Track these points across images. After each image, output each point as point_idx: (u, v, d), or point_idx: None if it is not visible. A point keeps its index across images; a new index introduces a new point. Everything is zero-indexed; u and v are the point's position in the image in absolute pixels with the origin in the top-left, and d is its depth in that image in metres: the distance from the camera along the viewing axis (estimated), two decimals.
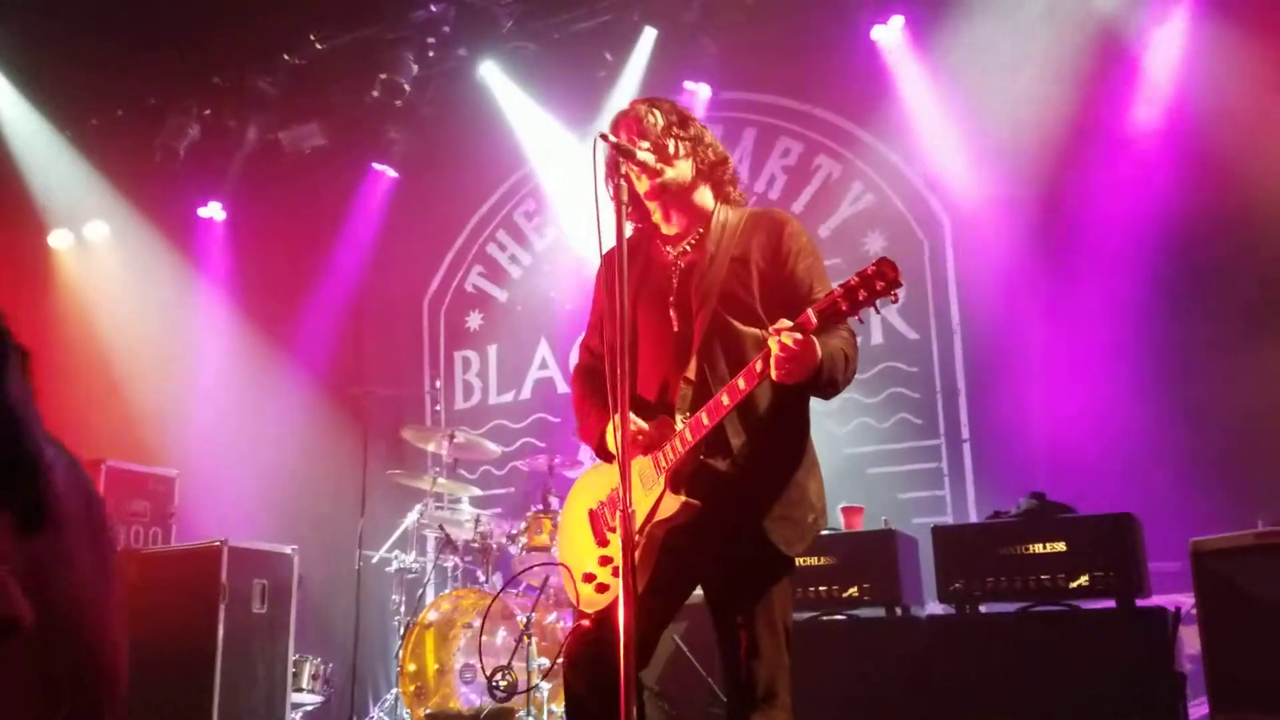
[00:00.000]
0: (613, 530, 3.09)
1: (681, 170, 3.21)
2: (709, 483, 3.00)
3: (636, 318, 3.23)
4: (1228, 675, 4.37)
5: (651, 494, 3.00)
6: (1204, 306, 6.45)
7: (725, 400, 2.91)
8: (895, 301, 2.71)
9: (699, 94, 8.05)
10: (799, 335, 2.72)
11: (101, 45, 8.40)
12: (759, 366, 2.84)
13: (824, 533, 5.27)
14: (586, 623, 3.10)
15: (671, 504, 2.96)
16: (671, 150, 3.19)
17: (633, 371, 3.18)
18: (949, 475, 7.26)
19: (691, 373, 3.06)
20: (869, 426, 7.41)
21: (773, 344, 2.77)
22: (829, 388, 2.95)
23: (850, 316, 2.75)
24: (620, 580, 2.96)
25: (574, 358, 8.62)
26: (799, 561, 3.16)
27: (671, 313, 3.18)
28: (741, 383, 2.87)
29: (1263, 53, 6.40)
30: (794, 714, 3.02)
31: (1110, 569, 4.76)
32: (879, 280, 2.67)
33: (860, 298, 2.69)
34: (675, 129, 3.22)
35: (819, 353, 2.80)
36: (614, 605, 2.99)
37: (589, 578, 3.14)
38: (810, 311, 2.76)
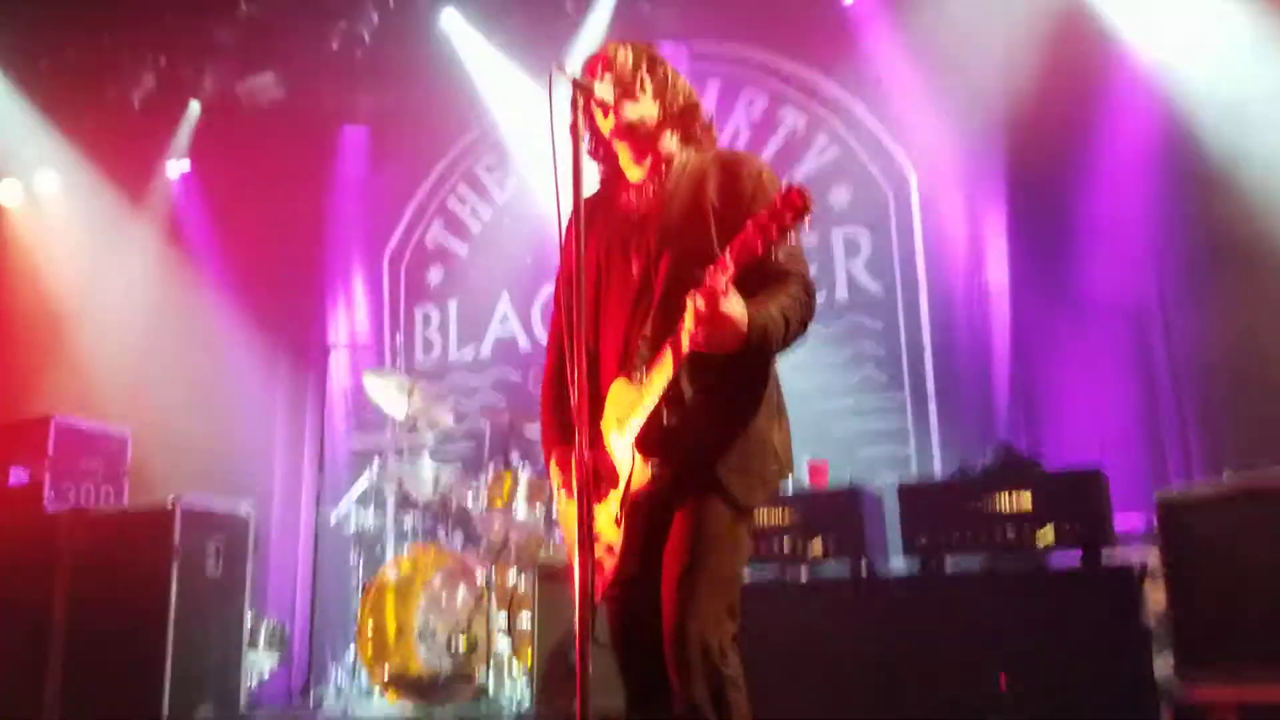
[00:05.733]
0: (597, 503, 2.99)
1: (646, 109, 3.08)
2: (666, 436, 2.89)
3: (601, 268, 3.12)
4: (1194, 628, 4.35)
5: (624, 464, 2.93)
6: (1170, 258, 6.41)
7: (669, 359, 2.80)
8: (810, 228, 2.55)
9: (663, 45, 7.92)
10: (701, 305, 2.62)
11: None
12: (686, 338, 2.72)
13: (787, 489, 5.26)
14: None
15: (644, 472, 2.89)
16: (638, 88, 3.07)
17: (596, 326, 3.09)
18: (914, 432, 7.21)
19: (649, 330, 2.95)
20: (833, 382, 7.35)
21: (689, 312, 2.66)
22: (762, 351, 2.86)
23: (766, 254, 2.58)
24: (612, 558, 2.95)
25: (536, 314, 8.60)
26: (763, 519, 3.07)
27: (632, 259, 3.05)
28: (685, 342, 2.73)
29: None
30: (740, 673, 2.84)
31: (1076, 523, 4.71)
32: (788, 211, 2.52)
33: (773, 234, 2.54)
34: (643, 69, 3.10)
35: (742, 315, 2.68)
36: (615, 584, 2.98)
37: None
38: (726, 255, 2.61)
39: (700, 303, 2.62)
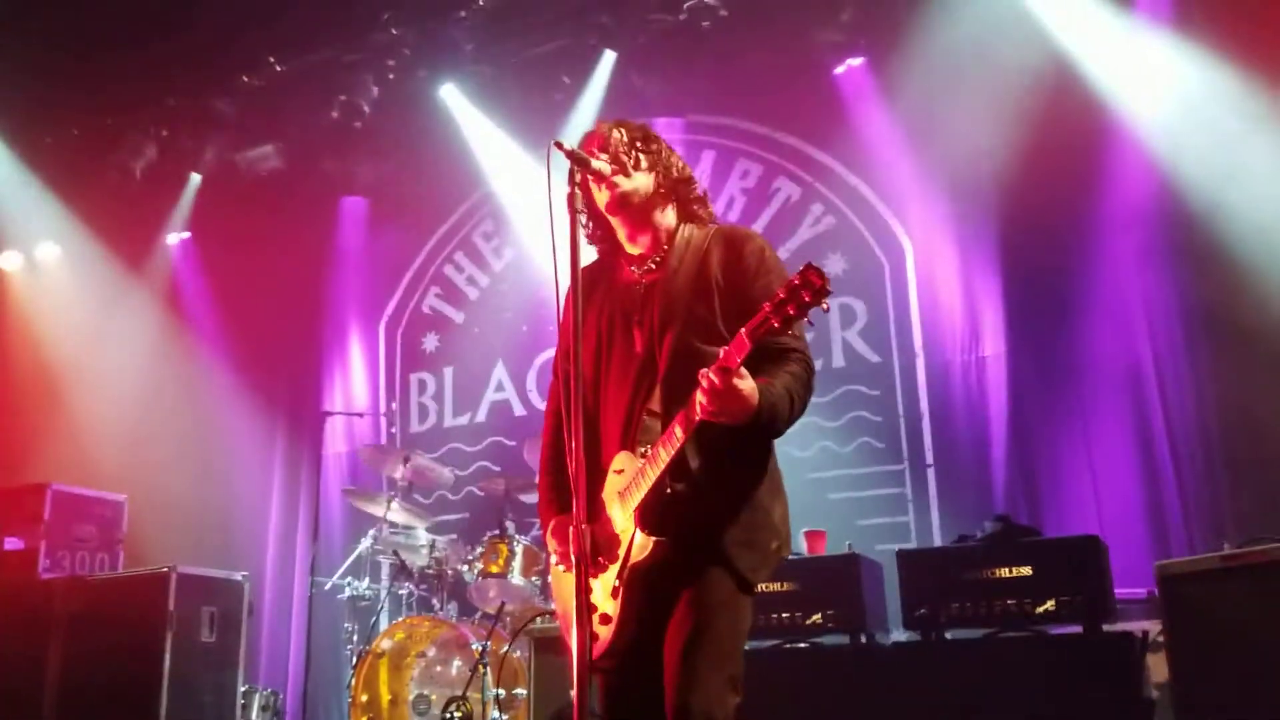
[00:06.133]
0: (594, 577, 2.94)
1: (641, 183, 3.10)
2: (669, 509, 2.87)
3: (601, 340, 3.13)
4: (1196, 699, 4.31)
5: (625, 535, 2.90)
6: (1165, 325, 6.45)
7: (679, 433, 2.80)
8: (826, 310, 2.57)
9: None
10: (714, 379, 2.62)
11: (57, 62, 8.22)
12: (698, 409, 2.72)
13: (787, 557, 5.24)
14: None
15: (644, 545, 2.86)
16: (631, 163, 3.09)
17: (597, 397, 3.09)
18: (913, 501, 7.18)
19: (656, 404, 2.95)
20: (830, 451, 7.34)
21: (701, 385, 2.65)
22: (769, 429, 2.86)
23: (783, 333, 2.63)
24: (607, 628, 2.91)
25: (532, 380, 8.61)
26: (762, 586, 3.03)
27: (635, 333, 3.07)
28: (697, 413, 2.72)
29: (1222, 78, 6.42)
30: None
31: (1077, 593, 4.69)
32: (806, 291, 2.53)
33: (791, 311, 2.55)
34: (638, 144, 3.12)
35: (753, 392, 2.69)
36: (608, 655, 2.92)
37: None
38: (742, 332, 2.62)
39: (714, 377, 2.62)
